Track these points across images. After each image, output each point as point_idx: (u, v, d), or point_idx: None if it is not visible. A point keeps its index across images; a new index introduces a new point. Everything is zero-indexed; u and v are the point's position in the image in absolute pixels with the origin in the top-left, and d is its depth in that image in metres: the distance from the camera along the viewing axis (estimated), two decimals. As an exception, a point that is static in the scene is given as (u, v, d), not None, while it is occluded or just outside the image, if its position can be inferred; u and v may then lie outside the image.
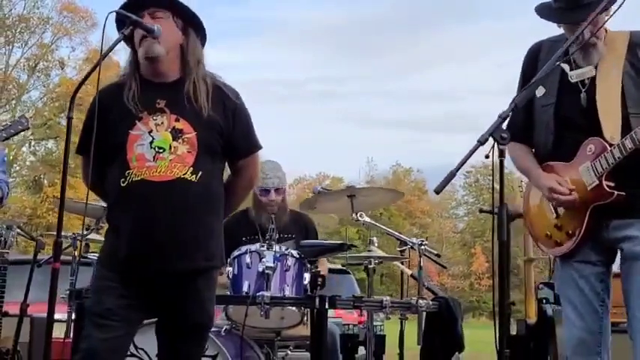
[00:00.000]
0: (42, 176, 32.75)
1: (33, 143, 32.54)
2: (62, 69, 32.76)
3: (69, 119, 2.98)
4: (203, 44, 3.22)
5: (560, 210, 3.16)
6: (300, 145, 73.57)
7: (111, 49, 3.10)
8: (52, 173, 31.01)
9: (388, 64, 76.19)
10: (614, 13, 2.94)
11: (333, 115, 77.66)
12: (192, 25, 3.17)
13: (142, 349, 3.75)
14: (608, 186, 2.99)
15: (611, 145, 2.97)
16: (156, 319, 3.15)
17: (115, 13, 3.05)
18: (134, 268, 2.98)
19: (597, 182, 3.00)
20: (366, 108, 75.24)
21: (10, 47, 32.11)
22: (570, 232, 3.11)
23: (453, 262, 47.80)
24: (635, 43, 3.07)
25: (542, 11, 3.11)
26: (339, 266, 9.32)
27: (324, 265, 4.92)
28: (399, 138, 74.18)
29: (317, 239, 4.89)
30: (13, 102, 32.27)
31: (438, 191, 2.75)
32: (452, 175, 2.63)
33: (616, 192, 2.98)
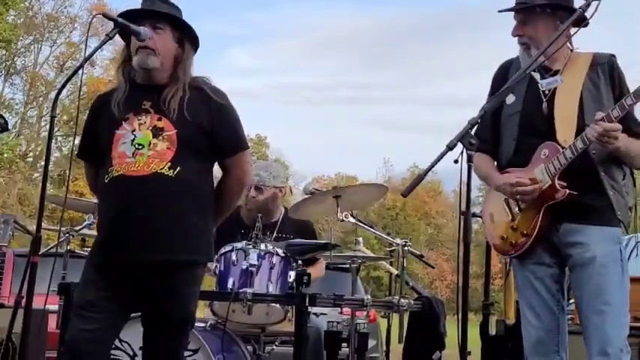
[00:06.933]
0: (67, 171, 33.02)
1: (60, 139, 32.86)
2: (92, 66, 33.07)
3: (52, 118, 3.10)
4: (196, 50, 3.33)
5: (516, 212, 3.27)
6: (326, 147, 73.85)
7: (95, 51, 3.23)
8: (76, 169, 31.15)
9: (413, 72, 76.57)
10: (572, 19, 3.06)
11: (359, 119, 77.99)
12: (187, 35, 3.29)
13: (126, 342, 3.84)
14: (560, 185, 3.12)
15: (563, 147, 3.10)
16: (140, 313, 3.25)
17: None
18: (108, 258, 3.12)
19: (550, 182, 3.13)
20: (391, 113, 75.76)
21: (39, 45, 32.71)
22: (525, 232, 3.21)
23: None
24: (597, 62, 3.24)
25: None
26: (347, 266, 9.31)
27: (321, 264, 4.99)
28: (420, 142, 74.33)
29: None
30: (41, 99, 32.68)
31: (405, 195, 2.87)
32: (420, 179, 2.83)
33: (567, 190, 3.10)
